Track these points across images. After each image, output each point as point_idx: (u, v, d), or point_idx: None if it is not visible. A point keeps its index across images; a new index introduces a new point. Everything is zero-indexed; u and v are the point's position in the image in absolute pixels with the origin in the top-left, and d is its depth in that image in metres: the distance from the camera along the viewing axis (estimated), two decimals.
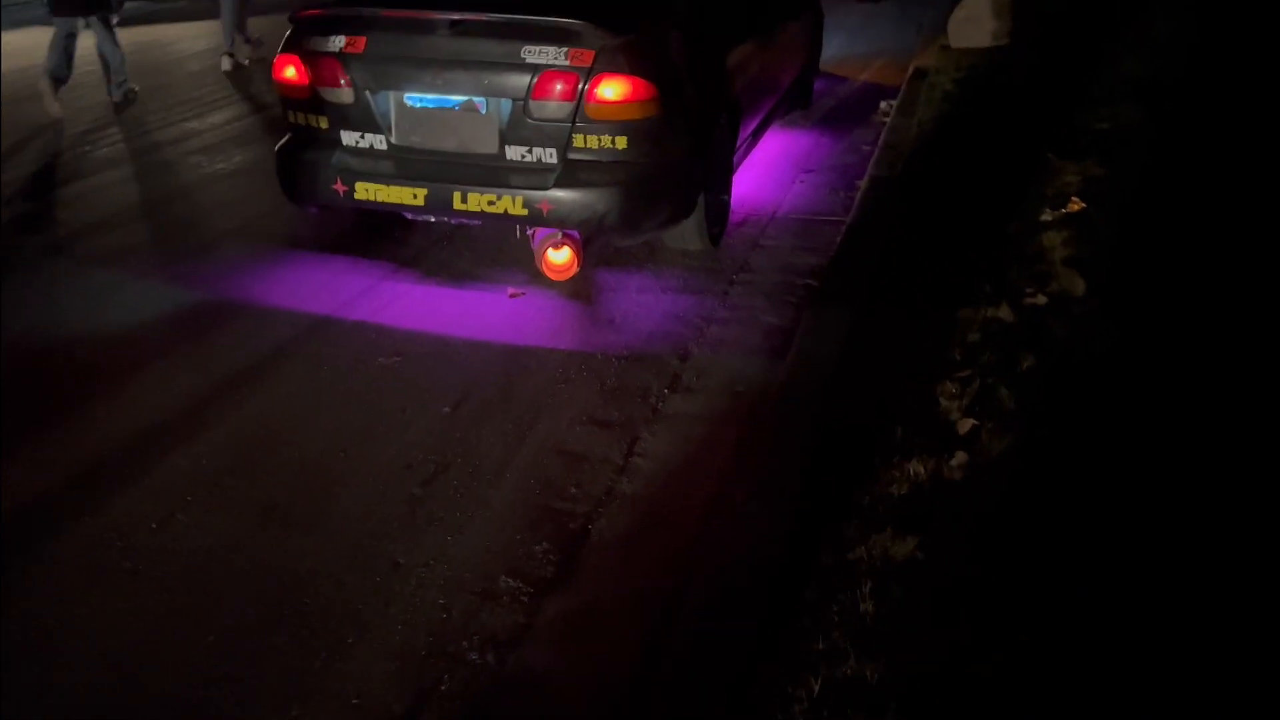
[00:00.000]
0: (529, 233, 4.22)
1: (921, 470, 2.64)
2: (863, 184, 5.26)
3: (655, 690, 2.22)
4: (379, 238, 4.81)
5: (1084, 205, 4.19)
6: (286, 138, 4.24)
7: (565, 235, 3.97)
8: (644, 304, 4.18)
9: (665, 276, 4.43)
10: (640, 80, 3.73)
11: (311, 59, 3.95)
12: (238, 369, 3.67)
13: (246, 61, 8.78)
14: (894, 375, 3.19)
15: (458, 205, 3.94)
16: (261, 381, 3.59)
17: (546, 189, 3.84)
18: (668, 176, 3.96)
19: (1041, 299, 3.52)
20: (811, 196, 5.41)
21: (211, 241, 4.88)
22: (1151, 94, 5.79)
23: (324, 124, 4.05)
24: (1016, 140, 5.29)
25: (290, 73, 4.01)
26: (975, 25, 7.99)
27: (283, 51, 4.03)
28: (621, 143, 3.80)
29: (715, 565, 2.51)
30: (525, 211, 3.88)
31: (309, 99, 4.02)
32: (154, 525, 2.84)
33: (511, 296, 4.24)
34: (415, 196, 3.97)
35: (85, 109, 7.48)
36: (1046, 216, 4.18)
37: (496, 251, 4.65)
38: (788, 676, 2.03)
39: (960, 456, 2.67)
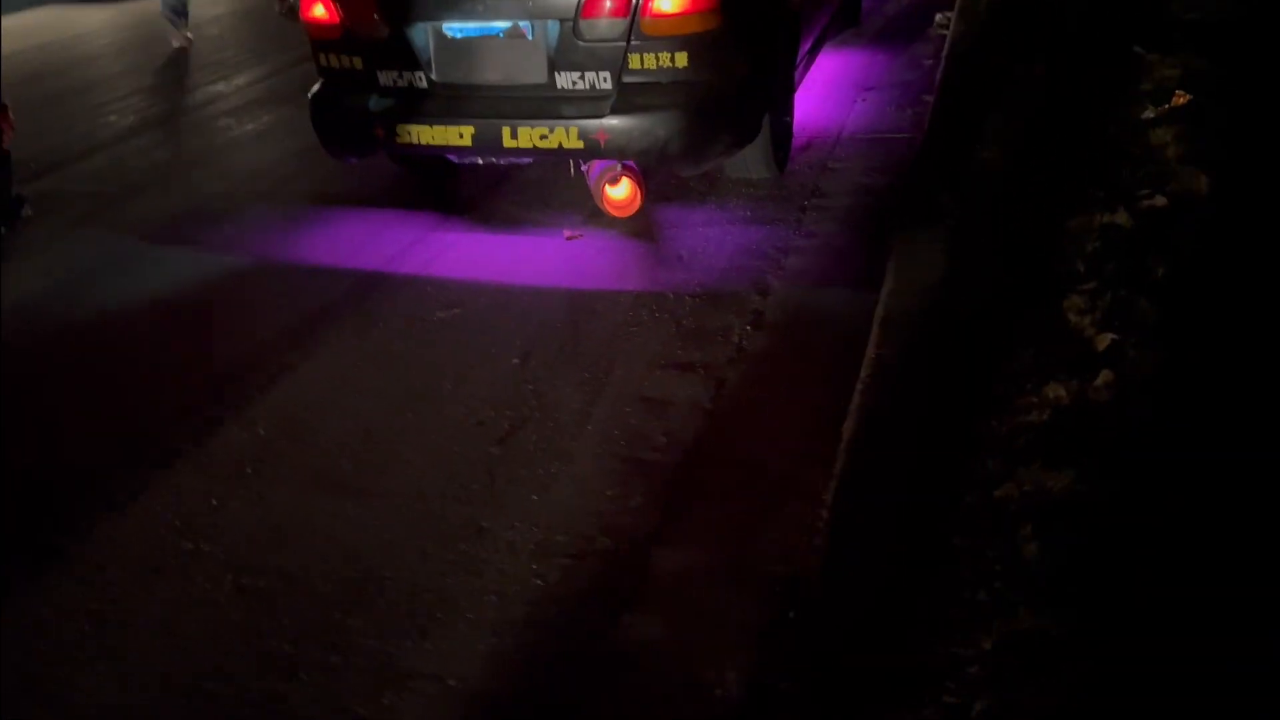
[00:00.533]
0: (584, 168, 3.92)
1: (1062, 393, 2.33)
2: (932, 97, 4.88)
3: (783, 652, 1.96)
4: (421, 189, 4.54)
5: (1190, 98, 3.80)
6: (319, 85, 3.96)
7: (624, 167, 3.66)
8: (712, 238, 3.86)
9: (731, 208, 4.11)
10: None
11: None
12: (287, 332, 3.42)
13: (188, 42, 7.87)
14: (1009, 293, 2.87)
15: (507, 142, 3.64)
16: (314, 344, 3.34)
17: (602, 117, 3.53)
18: (732, 96, 3.63)
19: (1161, 200, 3.16)
20: (876, 115, 5.04)
21: (246, 202, 4.63)
22: None
23: (358, 64, 3.76)
24: (1097, 37, 4.87)
25: (319, 11, 3.72)
26: None
27: None
28: (681, 60, 3.47)
29: (840, 511, 2.23)
30: (580, 144, 3.58)
31: (340, 38, 3.73)
32: (214, 502, 2.62)
33: (569, 239, 3.95)
34: (461, 136, 3.67)
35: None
36: (1149, 113, 3.79)
37: (548, 193, 4.36)
38: (949, 634, 1.76)
39: (1105, 375, 2.35)
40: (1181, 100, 3.80)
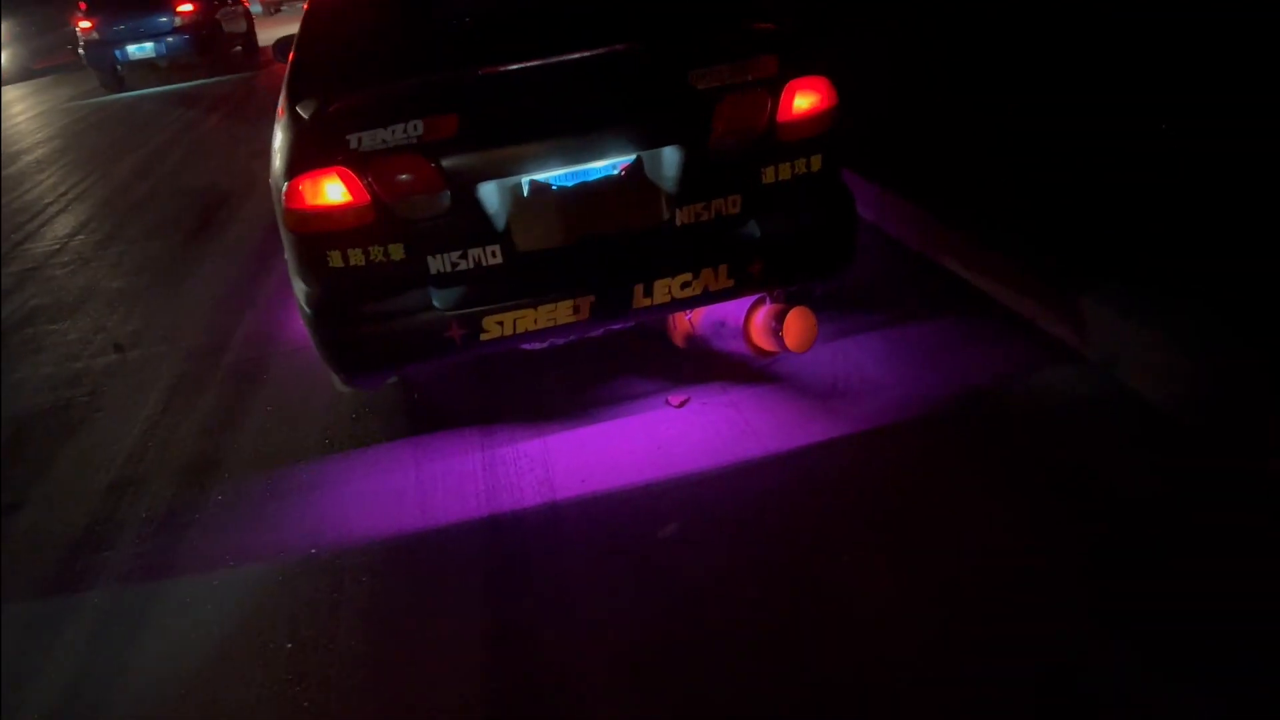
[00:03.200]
0: (687, 318, 3.24)
1: None
2: None
3: None
4: (417, 405, 3.54)
5: None
6: (318, 295, 2.89)
7: (775, 296, 3.05)
8: (857, 357, 3.32)
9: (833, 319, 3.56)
10: (827, 80, 2.93)
11: (369, 164, 2.70)
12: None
13: None
14: None
15: (638, 303, 2.88)
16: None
17: (753, 246, 2.90)
18: (849, 199, 3.16)
19: None
20: None
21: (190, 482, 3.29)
22: None
23: (398, 253, 2.79)
24: None
25: (334, 194, 2.72)
26: None
27: (310, 167, 2.72)
28: (816, 163, 2.95)
29: None
30: (731, 282, 2.91)
31: (372, 223, 2.75)
32: None
33: (679, 406, 3.21)
34: (577, 310, 2.84)
35: None
36: None
37: (595, 365, 3.56)
38: None
39: None
40: None
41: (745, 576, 2.41)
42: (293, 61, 3.20)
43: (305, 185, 2.73)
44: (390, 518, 2.88)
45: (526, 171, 2.76)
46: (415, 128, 2.68)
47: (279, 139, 2.93)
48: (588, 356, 3.60)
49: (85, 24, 13.87)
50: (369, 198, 2.72)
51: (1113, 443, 2.69)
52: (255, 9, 21.30)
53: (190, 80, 14.12)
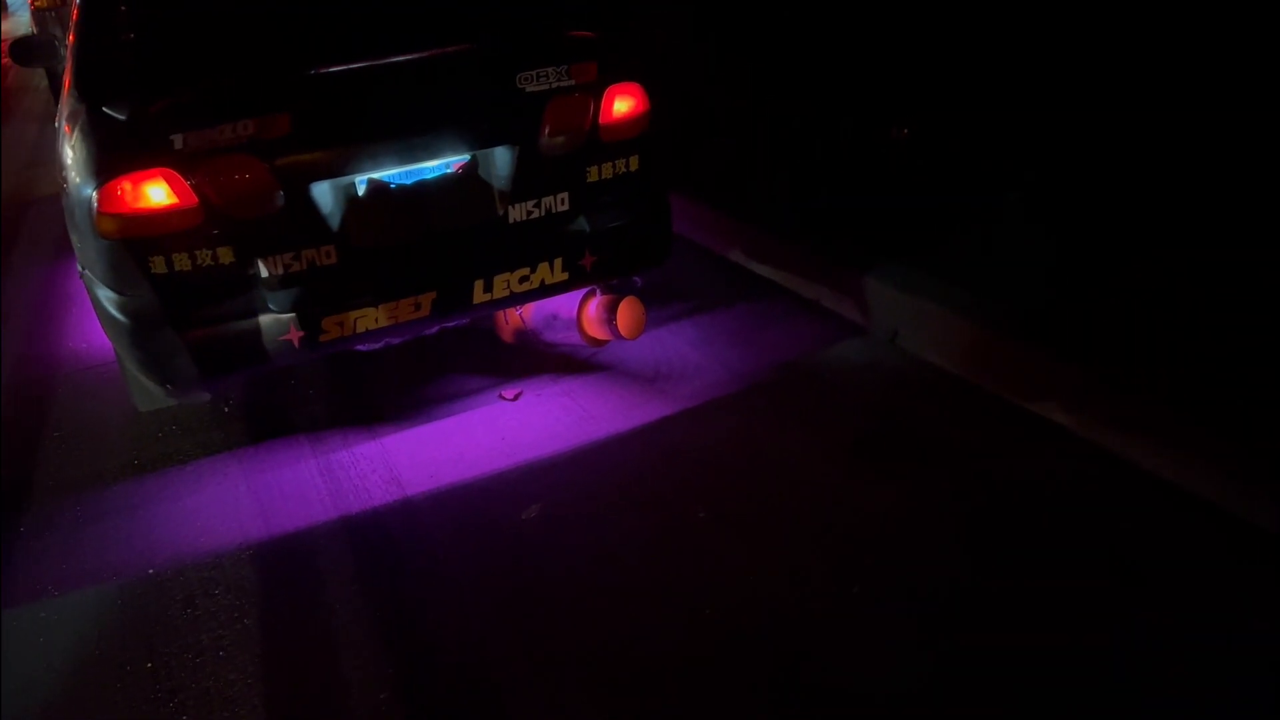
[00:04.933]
0: (518, 313, 3.36)
1: None
2: None
3: None
4: (229, 417, 3.41)
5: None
6: (142, 302, 2.74)
7: (606, 288, 3.23)
8: (673, 344, 3.58)
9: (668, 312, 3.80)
10: (641, 86, 3.16)
11: (196, 165, 2.61)
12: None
13: None
14: None
15: (479, 298, 2.96)
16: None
17: (584, 240, 3.08)
18: (664, 194, 3.42)
19: None
20: None
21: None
22: None
23: (227, 257, 2.71)
24: None
25: (157, 196, 2.60)
26: None
27: (131, 168, 2.58)
28: (634, 163, 3.18)
29: None
30: (566, 275, 3.07)
31: (198, 227, 2.65)
32: None
33: (513, 399, 3.33)
34: (418, 306, 2.89)
35: None
36: None
37: (413, 367, 3.59)
38: None
39: None
40: None
41: (617, 542, 2.56)
42: (76, 59, 3.01)
43: (124, 188, 2.58)
44: (230, 530, 2.78)
45: (361, 170, 2.77)
46: (245, 127, 2.62)
47: (79, 143, 2.74)
48: (410, 358, 3.62)
49: None
50: (196, 200, 2.62)
51: (905, 399, 3.12)
52: None
53: None
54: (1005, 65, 3.78)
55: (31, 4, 10.95)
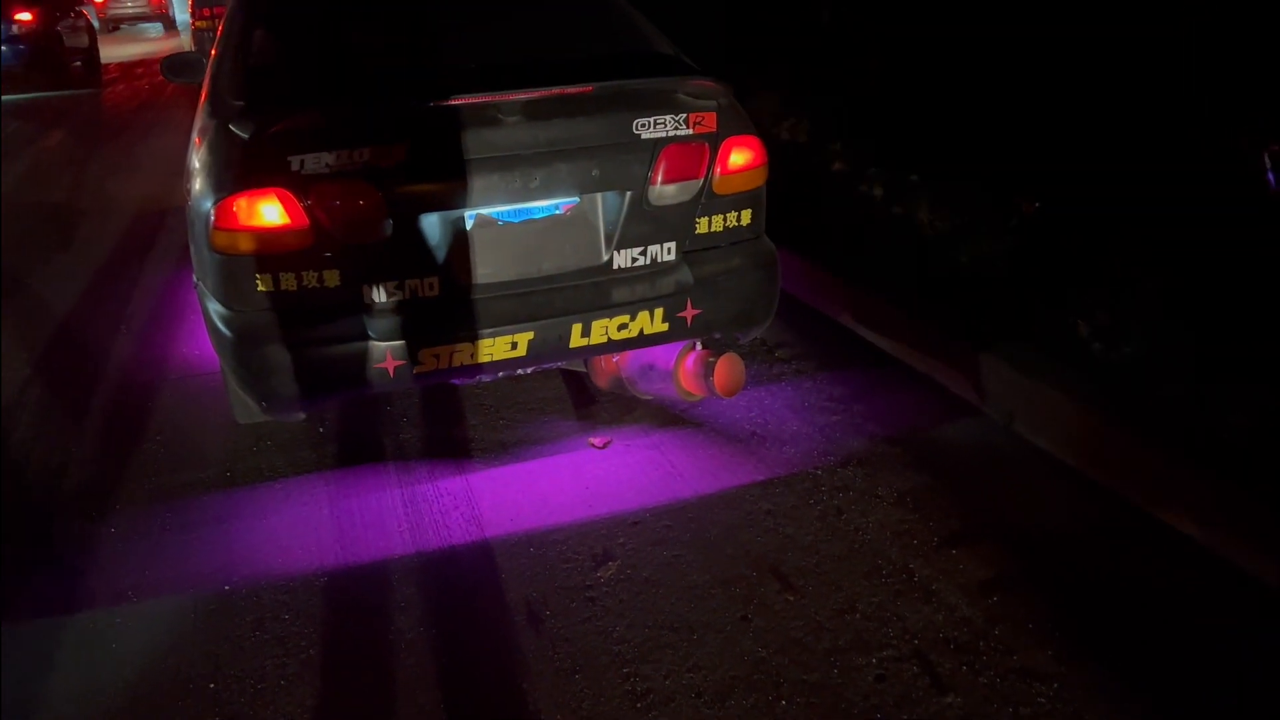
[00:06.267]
0: (614, 360, 3.28)
1: None
2: None
3: None
4: (323, 438, 3.42)
5: None
6: (246, 318, 2.77)
7: (704, 344, 3.13)
8: (772, 406, 3.45)
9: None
10: (759, 140, 3.09)
11: (310, 187, 2.63)
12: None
13: None
14: None
15: (575, 342, 2.90)
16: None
17: (687, 292, 2.99)
18: (774, 251, 3.30)
19: None
20: None
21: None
22: None
23: (333, 280, 2.72)
24: None
25: (270, 215, 2.63)
26: None
27: (248, 186, 2.63)
28: (746, 217, 3.10)
29: None
30: (666, 326, 2.99)
31: (309, 248, 2.68)
32: None
33: (602, 447, 3.25)
34: (515, 346, 2.84)
35: None
36: None
37: (504, 402, 3.55)
38: None
39: None
40: None
41: (691, 611, 2.45)
42: (212, 77, 3.11)
43: (239, 205, 2.63)
44: (308, 553, 2.76)
45: (472, 205, 2.76)
46: (362, 154, 2.64)
47: (204, 157, 2.82)
48: (504, 393, 3.59)
49: None
50: (308, 221, 2.65)
51: (1014, 489, 2.91)
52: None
53: (22, 94, 13.18)
54: (1156, 141, 3.56)
55: (193, 24, 11.61)
